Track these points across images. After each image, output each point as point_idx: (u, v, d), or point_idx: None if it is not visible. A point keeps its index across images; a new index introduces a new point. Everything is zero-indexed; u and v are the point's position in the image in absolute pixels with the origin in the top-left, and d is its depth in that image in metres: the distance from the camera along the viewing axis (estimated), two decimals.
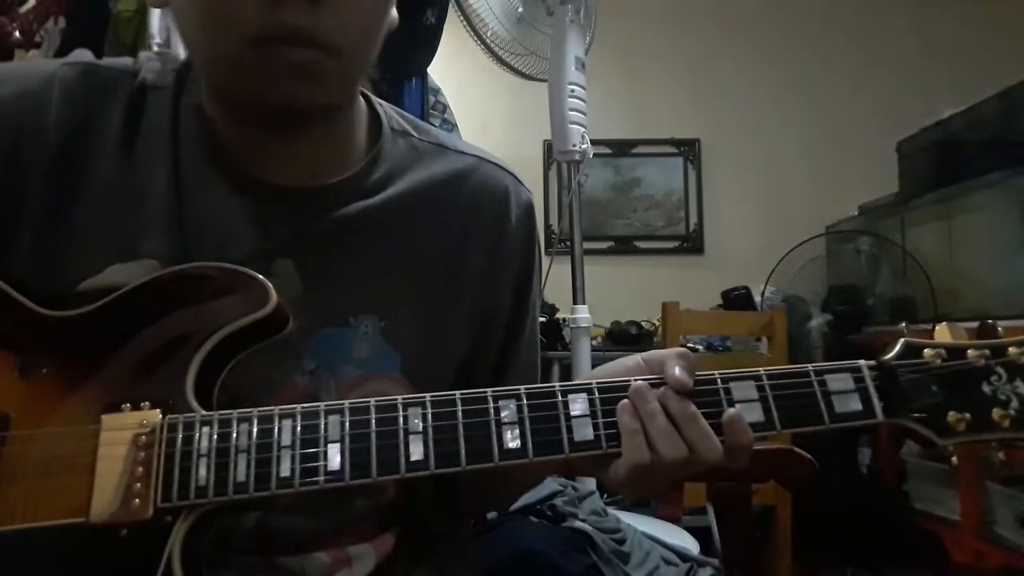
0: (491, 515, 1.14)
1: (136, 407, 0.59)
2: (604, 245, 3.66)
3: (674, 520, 1.62)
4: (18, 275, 0.65)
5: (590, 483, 1.48)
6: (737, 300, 3.28)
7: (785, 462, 1.06)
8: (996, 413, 0.60)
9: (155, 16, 1.59)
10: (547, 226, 3.64)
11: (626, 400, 0.58)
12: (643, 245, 3.72)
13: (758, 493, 2.31)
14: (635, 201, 3.74)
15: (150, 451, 0.57)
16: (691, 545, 1.45)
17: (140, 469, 0.57)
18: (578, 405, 0.59)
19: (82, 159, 0.67)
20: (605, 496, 1.67)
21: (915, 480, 2.82)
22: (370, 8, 0.64)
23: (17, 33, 1.73)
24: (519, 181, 0.81)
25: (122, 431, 0.58)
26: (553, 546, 1.07)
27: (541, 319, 2.18)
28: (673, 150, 3.74)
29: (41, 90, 0.68)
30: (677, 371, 0.59)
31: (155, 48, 1.60)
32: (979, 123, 2.76)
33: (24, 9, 1.76)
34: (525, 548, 1.03)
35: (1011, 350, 0.61)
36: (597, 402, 0.59)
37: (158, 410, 0.58)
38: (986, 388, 0.61)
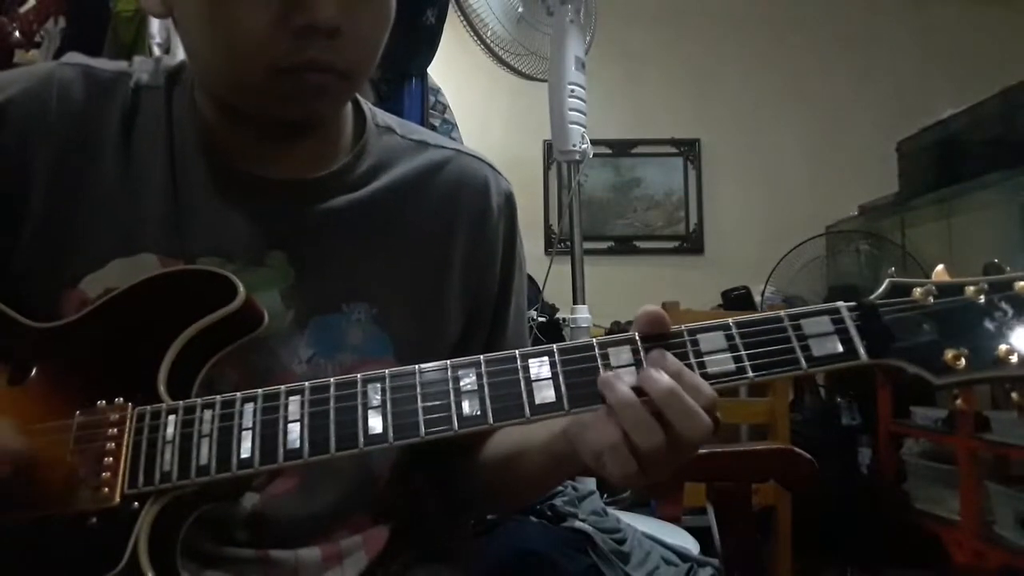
0: (491, 515, 1.14)
1: (110, 403, 0.61)
2: (604, 245, 3.65)
3: (674, 520, 1.61)
4: (25, 270, 0.68)
5: (590, 483, 1.48)
6: (737, 300, 3.28)
7: (785, 462, 1.07)
8: (1002, 350, 0.54)
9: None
10: (547, 226, 3.64)
11: (600, 410, 0.55)
12: (643, 245, 3.71)
13: (758, 493, 2.31)
14: (635, 201, 3.73)
15: (120, 441, 0.59)
16: (691, 545, 1.45)
17: (109, 459, 0.59)
18: (538, 368, 0.58)
19: (82, 157, 0.70)
20: (605, 496, 1.67)
21: (915, 480, 2.82)
22: (378, 33, 0.68)
23: (17, 33, 1.73)
24: (498, 171, 0.84)
25: (95, 425, 0.60)
26: (553, 546, 1.06)
27: (541, 319, 2.18)
28: (673, 150, 3.74)
29: (42, 88, 0.70)
30: (643, 310, 0.57)
31: (155, 47, 1.61)
32: (979, 123, 2.76)
33: (24, 9, 1.76)
34: (525, 548, 1.03)
35: (1018, 284, 0.55)
36: (558, 364, 0.58)
37: (129, 404, 0.61)
38: (989, 324, 0.55)
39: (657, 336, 0.57)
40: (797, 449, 1.06)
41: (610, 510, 1.34)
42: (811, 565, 2.66)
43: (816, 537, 2.60)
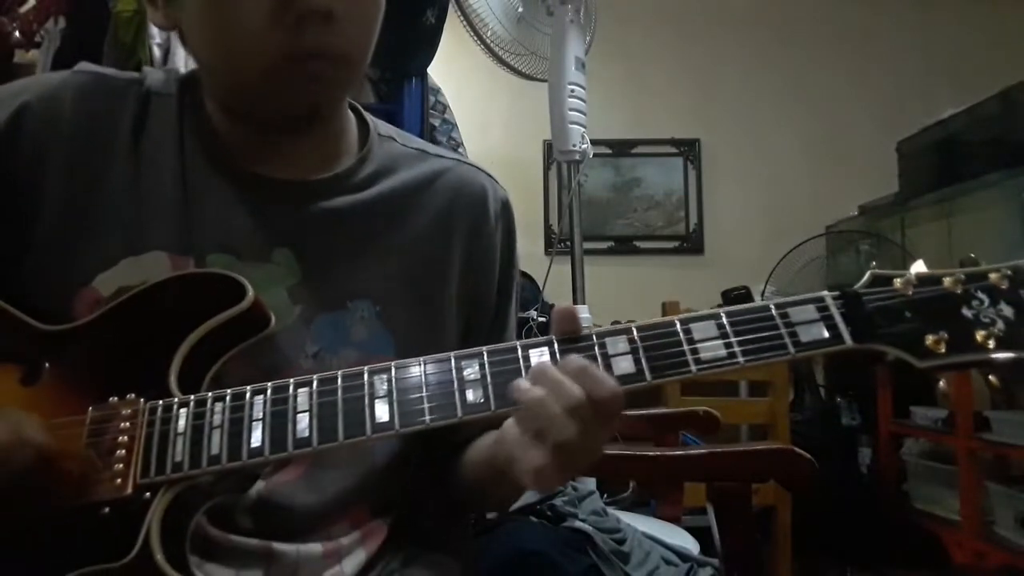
0: (491, 514, 1.14)
1: (122, 399, 0.63)
2: (604, 245, 3.66)
3: (674, 520, 1.61)
4: (38, 268, 0.70)
5: (590, 483, 1.48)
6: (737, 300, 3.26)
7: (785, 462, 1.06)
8: (980, 335, 0.57)
9: None
10: (547, 226, 3.64)
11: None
12: (643, 245, 3.71)
13: (758, 493, 2.31)
14: (635, 201, 3.73)
15: (132, 434, 0.61)
16: (691, 545, 1.45)
17: (122, 451, 0.60)
18: (539, 358, 0.60)
19: (94, 159, 0.72)
20: (605, 496, 1.67)
21: (915, 480, 2.82)
22: (369, 21, 0.71)
23: (17, 33, 1.73)
24: (495, 180, 0.87)
25: (108, 419, 0.62)
26: (553, 546, 1.06)
27: (542, 319, 2.18)
28: (673, 150, 3.74)
29: (57, 93, 0.73)
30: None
31: (155, 48, 1.61)
32: (979, 123, 2.76)
33: (24, 9, 1.76)
34: (525, 548, 1.03)
35: (992, 276, 0.59)
36: (558, 354, 0.59)
37: (141, 399, 0.63)
38: (967, 312, 0.58)
39: (651, 327, 0.60)
40: (797, 449, 1.06)
41: (610, 510, 1.34)
42: (811, 565, 2.66)
43: (816, 537, 2.60)
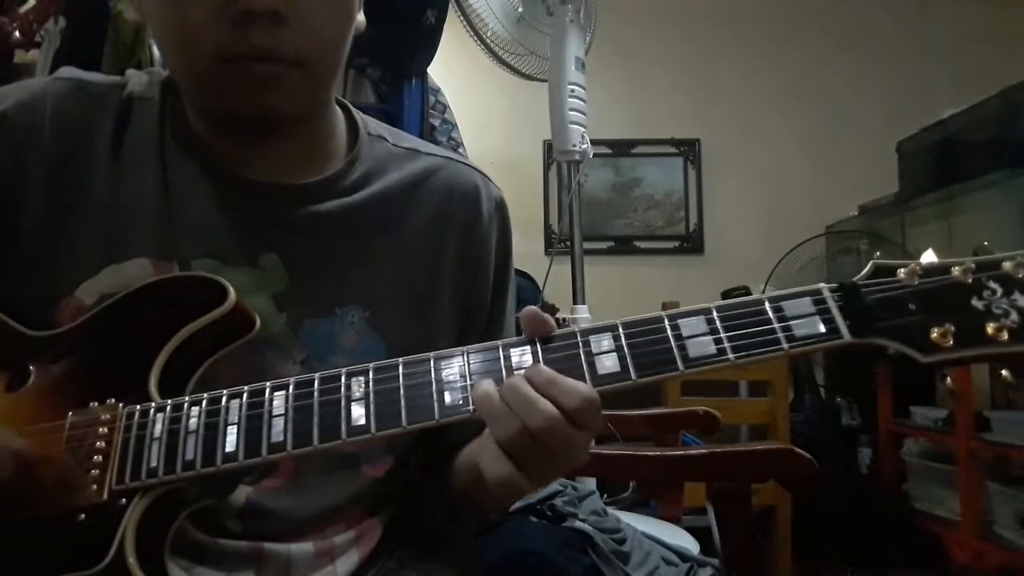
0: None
1: (102, 404, 0.63)
2: (604, 245, 3.65)
3: (674, 520, 1.61)
4: (20, 278, 0.69)
5: (590, 483, 1.48)
6: None
7: (785, 462, 1.07)
8: (991, 327, 0.53)
9: None
10: (547, 226, 3.64)
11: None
12: (643, 245, 3.71)
13: (758, 493, 2.31)
14: (635, 201, 3.73)
15: (110, 440, 0.61)
16: (691, 545, 1.45)
17: (99, 457, 0.60)
18: (520, 357, 0.58)
19: (76, 167, 0.70)
20: (605, 496, 1.67)
21: (915, 480, 2.82)
22: (333, 22, 0.67)
23: (17, 33, 1.73)
24: (488, 179, 0.85)
25: (86, 425, 0.62)
26: (553, 546, 1.06)
27: None
28: (673, 150, 3.73)
29: (35, 102, 0.71)
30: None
31: (155, 48, 1.61)
32: (979, 123, 2.76)
33: (24, 9, 1.76)
34: (525, 548, 1.03)
35: (1006, 264, 0.55)
36: (539, 352, 0.58)
37: (120, 404, 0.62)
38: (977, 303, 0.54)
39: (637, 323, 0.58)
40: (797, 449, 1.06)
41: (610, 510, 1.34)
42: (811, 565, 2.66)
43: (816, 537, 2.60)
